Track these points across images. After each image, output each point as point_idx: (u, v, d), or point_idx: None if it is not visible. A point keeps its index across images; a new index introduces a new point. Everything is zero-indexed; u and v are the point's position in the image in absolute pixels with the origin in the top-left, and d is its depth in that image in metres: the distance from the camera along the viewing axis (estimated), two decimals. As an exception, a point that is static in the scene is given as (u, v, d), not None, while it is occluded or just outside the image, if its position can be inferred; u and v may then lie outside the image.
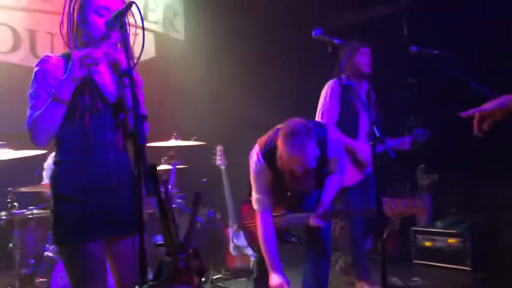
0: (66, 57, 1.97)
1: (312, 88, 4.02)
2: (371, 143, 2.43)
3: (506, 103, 1.64)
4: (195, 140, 4.21)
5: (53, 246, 3.37)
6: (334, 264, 3.80)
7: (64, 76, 1.87)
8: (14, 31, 4.39)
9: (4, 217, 3.40)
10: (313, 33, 2.68)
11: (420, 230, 4.63)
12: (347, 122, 3.52)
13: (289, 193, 2.81)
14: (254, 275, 3.18)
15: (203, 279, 2.06)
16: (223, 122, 5.36)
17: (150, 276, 1.63)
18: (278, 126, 2.74)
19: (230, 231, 4.45)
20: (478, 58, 4.21)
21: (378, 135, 2.41)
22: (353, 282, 3.69)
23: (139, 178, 1.60)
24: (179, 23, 5.68)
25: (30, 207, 3.53)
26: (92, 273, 1.92)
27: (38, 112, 1.86)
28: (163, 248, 1.67)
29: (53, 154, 2.48)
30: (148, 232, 3.01)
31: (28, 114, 1.90)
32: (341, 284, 3.59)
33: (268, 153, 2.68)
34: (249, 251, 4.37)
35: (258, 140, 2.82)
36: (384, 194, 4.63)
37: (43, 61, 1.95)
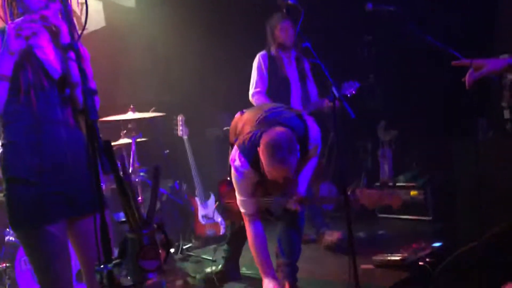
0: (1, 32, 1.84)
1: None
2: (330, 103, 2.43)
3: (499, 68, 1.65)
4: (153, 111, 4.10)
5: (14, 230, 3.27)
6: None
7: (1, 50, 1.77)
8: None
9: (-43, 205, 3.24)
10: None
11: (383, 185, 4.75)
12: (279, 91, 3.78)
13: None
14: (228, 239, 3.27)
15: (170, 252, 2.04)
16: (182, 91, 5.24)
17: (115, 254, 1.60)
18: (254, 126, 2.74)
19: (197, 200, 4.43)
20: (430, 13, 4.25)
21: (337, 95, 2.40)
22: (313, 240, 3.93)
23: (94, 156, 1.53)
24: (128, -11, 5.41)
25: (-16, 192, 3.38)
26: (54, 255, 1.88)
27: None
28: (125, 225, 1.63)
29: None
30: (111, 209, 2.95)
31: None
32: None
33: (252, 158, 2.65)
34: (218, 218, 4.39)
35: (236, 142, 2.78)
36: (359, 185, 4.77)
37: None
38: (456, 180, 3.40)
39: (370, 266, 3.17)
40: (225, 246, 3.35)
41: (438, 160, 4.36)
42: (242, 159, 2.68)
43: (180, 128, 4.52)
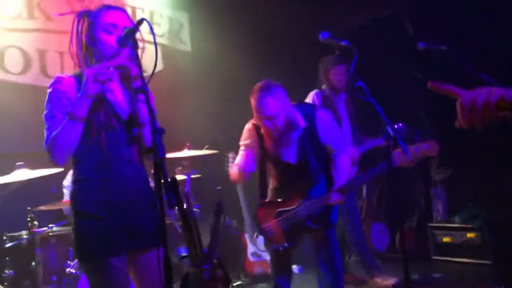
0: (78, 77, 1.99)
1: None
2: (386, 142, 2.44)
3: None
4: (207, 149, 4.24)
5: (75, 262, 3.41)
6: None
7: (79, 94, 1.89)
8: (24, 52, 4.46)
9: (25, 236, 3.45)
10: (320, 37, 2.69)
11: (437, 226, 4.61)
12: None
13: (289, 164, 2.88)
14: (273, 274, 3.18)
15: (227, 288, 2.08)
16: (234, 129, 5.37)
17: None
18: None
19: (247, 237, 4.46)
20: (481, 52, 4.20)
21: (392, 134, 2.41)
22: (364, 282, 3.81)
23: (160, 191, 1.62)
24: (185, 34, 5.72)
25: (50, 225, 3.58)
26: (116, 287, 1.95)
27: (55, 132, 1.88)
28: (186, 260, 1.69)
29: (70, 171, 2.51)
30: (169, 244, 3.03)
31: (45, 135, 1.93)
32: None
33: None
34: (267, 257, 4.39)
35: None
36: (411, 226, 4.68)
37: (56, 82, 1.98)
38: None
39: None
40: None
41: (496, 199, 4.20)
42: (250, 123, 2.99)
43: (231, 165, 4.62)
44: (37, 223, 3.46)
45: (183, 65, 5.53)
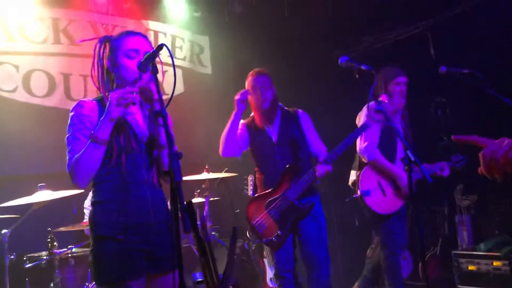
0: (99, 101, 2.03)
1: (342, 111, 4.01)
2: (406, 167, 2.41)
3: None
4: (226, 171, 4.23)
5: (92, 284, 3.41)
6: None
7: (102, 117, 1.92)
8: (49, 75, 4.57)
9: (45, 257, 3.46)
10: (339, 61, 2.69)
11: (463, 253, 4.46)
12: (385, 147, 3.46)
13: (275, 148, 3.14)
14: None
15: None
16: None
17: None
18: None
19: (266, 262, 4.40)
20: (506, 76, 4.13)
21: (413, 159, 2.38)
22: None
23: (176, 215, 1.62)
24: (206, 57, 5.80)
25: (69, 246, 3.59)
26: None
27: (78, 155, 1.91)
28: (202, 285, 1.66)
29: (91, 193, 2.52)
30: (186, 267, 3.01)
31: (67, 157, 1.96)
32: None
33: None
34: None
35: None
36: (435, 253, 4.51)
37: (78, 106, 2.02)
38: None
39: None
40: None
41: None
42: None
43: (251, 188, 4.60)
44: (57, 244, 3.48)
45: (204, 88, 5.58)
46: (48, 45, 4.59)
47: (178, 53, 5.52)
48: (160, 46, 1.87)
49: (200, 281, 1.62)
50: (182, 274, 1.61)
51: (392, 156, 3.44)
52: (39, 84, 4.50)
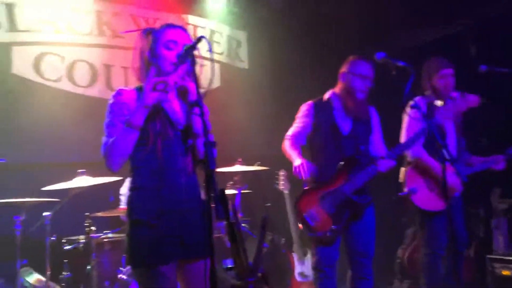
0: (139, 90, 2.10)
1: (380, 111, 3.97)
2: (442, 165, 2.38)
3: None
4: (258, 165, 4.28)
5: (126, 268, 3.53)
6: None
7: (137, 104, 1.99)
8: (92, 66, 4.73)
9: (82, 241, 3.61)
10: (375, 57, 2.68)
11: (497, 258, 4.35)
12: (433, 143, 3.36)
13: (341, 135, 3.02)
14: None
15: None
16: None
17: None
18: None
19: (295, 256, 4.42)
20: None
21: (448, 157, 2.35)
22: None
23: (209, 203, 1.67)
24: (243, 52, 5.85)
25: (105, 231, 3.73)
26: (165, 294, 1.99)
27: (112, 139, 1.99)
28: (232, 272, 1.71)
29: (127, 180, 2.61)
30: (216, 256, 3.07)
31: (103, 141, 2.03)
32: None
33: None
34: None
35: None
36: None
37: (117, 94, 2.09)
38: None
39: None
40: None
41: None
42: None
43: (282, 182, 4.63)
44: (94, 229, 3.63)
45: (240, 82, 5.64)
46: (92, 37, 4.74)
47: (216, 48, 5.60)
48: (200, 39, 1.92)
49: (231, 267, 1.66)
50: (213, 261, 1.66)
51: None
52: (82, 74, 4.66)
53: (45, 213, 3.50)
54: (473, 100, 3.14)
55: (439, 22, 5.07)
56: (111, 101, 2.09)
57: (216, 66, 5.49)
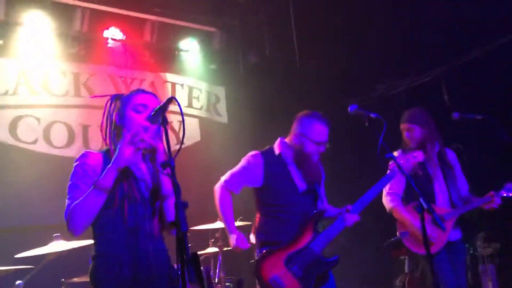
0: (105, 153, 2.06)
1: (355, 161, 3.99)
2: (419, 215, 2.36)
3: None
4: (241, 220, 4.20)
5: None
6: None
7: (109, 166, 1.92)
8: (69, 127, 4.71)
9: (57, 309, 3.44)
10: (349, 109, 2.71)
11: (488, 305, 4.27)
12: (420, 188, 3.31)
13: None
14: None
15: None
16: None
17: None
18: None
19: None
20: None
21: (425, 206, 2.34)
22: None
23: (182, 266, 1.60)
24: (222, 107, 5.92)
25: (82, 298, 3.56)
26: None
27: (77, 201, 1.91)
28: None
29: None
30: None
31: (66, 204, 1.96)
32: None
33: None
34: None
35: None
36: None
37: (84, 156, 2.05)
38: None
39: None
40: None
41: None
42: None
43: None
44: (70, 295, 3.47)
45: (220, 136, 5.67)
46: (69, 98, 4.76)
47: (195, 103, 5.66)
48: (170, 99, 1.91)
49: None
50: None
51: (430, 196, 3.33)
52: (59, 135, 4.64)
53: (17, 282, 3.34)
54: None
55: (413, 73, 5.23)
56: (76, 163, 2.04)
57: (196, 121, 5.52)
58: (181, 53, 5.58)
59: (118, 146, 1.95)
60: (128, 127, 2.05)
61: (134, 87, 5.14)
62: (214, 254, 4.01)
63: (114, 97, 2.15)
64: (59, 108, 4.69)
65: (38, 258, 3.40)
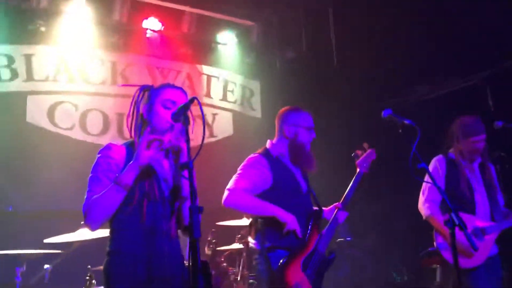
0: (129, 146, 2.02)
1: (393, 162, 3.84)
2: (450, 231, 2.24)
3: None
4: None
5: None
6: None
7: (131, 162, 1.89)
8: (104, 115, 4.78)
9: (82, 294, 3.51)
10: (382, 114, 2.60)
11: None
12: (461, 198, 3.20)
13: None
14: None
15: None
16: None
17: None
18: None
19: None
20: None
21: (457, 222, 2.21)
22: None
23: (193, 273, 1.57)
24: (256, 101, 5.87)
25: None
26: None
27: (96, 196, 1.88)
28: None
29: None
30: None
31: (86, 196, 1.93)
32: None
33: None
34: None
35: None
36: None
37: (107, 148, 2.02)
38: None
39: None
40: None
41: None
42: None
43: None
44: (95, 282, 3.52)
45: (253, 131, 5.62)
46: (106, 86, 4.83)
47: (230, 97, 5.62)
48: (193, 99, 1.87)
49: None
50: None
51: (471, 206, 3.19)
52: (94, 123, 4.71)
53: (45, 266, 3.43)
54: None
55: (457, 75, 4.99)
56: (99, 155, 2.01)
57: (229, 114, 5.50)
58: (218, 46, 5.55)
59: (138, 146, 1.92)
60: (154, 123, 2.01)
61: (170, 78, 5.16)
62: (239, 251, 3.98)
63: (143, 88, 2.10)
64: (96, 96, 4.77)
65: (66, 244, 3.48)
